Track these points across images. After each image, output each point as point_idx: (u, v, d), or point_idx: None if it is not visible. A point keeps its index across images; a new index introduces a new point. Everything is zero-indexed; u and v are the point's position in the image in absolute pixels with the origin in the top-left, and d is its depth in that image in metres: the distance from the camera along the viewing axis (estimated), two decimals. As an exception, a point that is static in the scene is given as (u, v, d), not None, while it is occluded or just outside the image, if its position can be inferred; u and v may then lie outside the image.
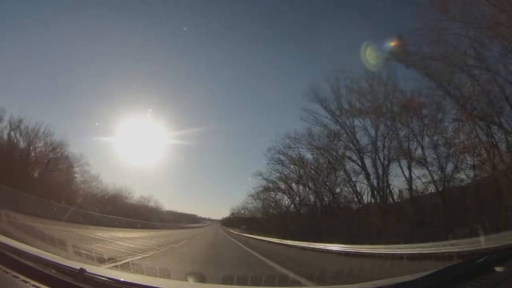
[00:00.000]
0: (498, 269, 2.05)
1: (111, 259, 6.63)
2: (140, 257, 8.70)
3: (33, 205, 17.93)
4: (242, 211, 45.30)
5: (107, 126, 38.81)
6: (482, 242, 7.81)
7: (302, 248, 17.11)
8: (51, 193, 22.42)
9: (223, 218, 60.76)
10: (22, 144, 25.31)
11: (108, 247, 10.56)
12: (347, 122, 23.67)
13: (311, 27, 39.37)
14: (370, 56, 20.78)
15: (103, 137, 34.26)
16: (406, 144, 20.09)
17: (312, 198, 27.41)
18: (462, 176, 17.24)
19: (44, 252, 2.92)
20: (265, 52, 48.07)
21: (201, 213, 64.15)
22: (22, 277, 2.15)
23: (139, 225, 32.96)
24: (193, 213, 61.10)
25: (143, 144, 34.50)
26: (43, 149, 26.22)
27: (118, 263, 6.41)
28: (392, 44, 19.32)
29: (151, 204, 42.82)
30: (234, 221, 51.35)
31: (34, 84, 42.72)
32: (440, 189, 17.87)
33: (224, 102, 54.92)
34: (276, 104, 53.04)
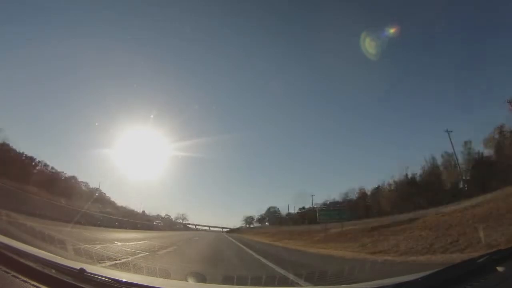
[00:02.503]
0: (499, 269, 2.04)
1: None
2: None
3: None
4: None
5: (113, 138, 39.28)
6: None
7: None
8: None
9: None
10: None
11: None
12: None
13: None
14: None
15: (109, 149, 34.81)
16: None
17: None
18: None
19: (44, 252, 2.91)
20: (270, 54, 48.34)
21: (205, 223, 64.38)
22: (22, 277, 2.14)
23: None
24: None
25: (149, 157, 34.94)
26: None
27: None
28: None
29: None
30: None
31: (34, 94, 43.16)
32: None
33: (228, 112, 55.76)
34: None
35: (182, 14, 46.18)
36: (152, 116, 34.73)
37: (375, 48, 22.60)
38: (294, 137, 59.62)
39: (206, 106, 52.78)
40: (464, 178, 31.62)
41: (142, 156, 38.97)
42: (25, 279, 2.13)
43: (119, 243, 11.98)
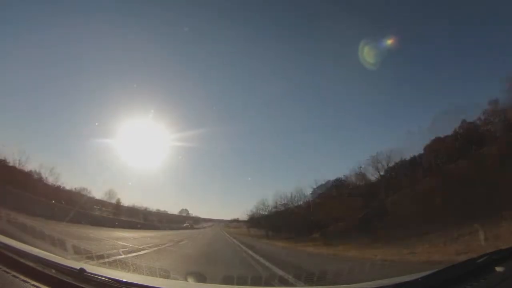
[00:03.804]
0: (498, 269, 2.04)
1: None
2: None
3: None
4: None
5: (108, 128, 38.68)
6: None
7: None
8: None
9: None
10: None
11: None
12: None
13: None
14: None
15: (104, 139, 34.27)
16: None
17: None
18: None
19: (44, 252, 2.92)
20: (266, 52, 48.40)
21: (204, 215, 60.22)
22: (22, 277, 2.15)
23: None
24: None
25: (146, 147, 34.23)
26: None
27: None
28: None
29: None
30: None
31: (34, 87, 42.93)
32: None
33: (226, 103, 55.47)
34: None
35: (182, 13, 45.95)
36: (152, 110, 33.53)
37: (373, 57, 22.85)
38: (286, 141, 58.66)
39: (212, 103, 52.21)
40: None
41: (152, 157, 38.52)
42: (25, 279, 2.14)
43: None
